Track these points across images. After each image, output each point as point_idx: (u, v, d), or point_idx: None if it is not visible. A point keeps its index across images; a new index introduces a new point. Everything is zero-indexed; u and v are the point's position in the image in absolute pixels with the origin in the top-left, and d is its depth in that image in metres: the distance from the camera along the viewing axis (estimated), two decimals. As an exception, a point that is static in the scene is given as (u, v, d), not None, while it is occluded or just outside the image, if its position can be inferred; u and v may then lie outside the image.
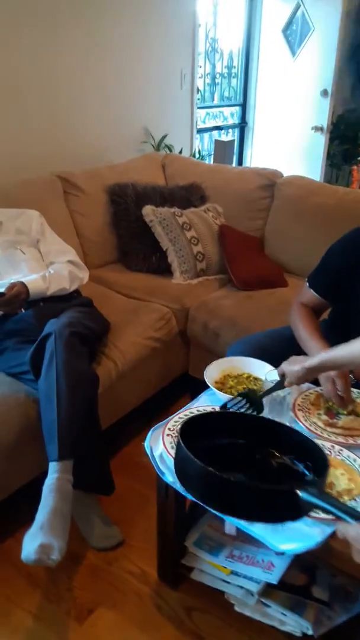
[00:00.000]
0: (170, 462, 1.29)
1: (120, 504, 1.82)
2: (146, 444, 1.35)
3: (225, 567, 1.45)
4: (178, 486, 1.29)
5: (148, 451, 1.34)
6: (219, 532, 1.56)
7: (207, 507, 1.03)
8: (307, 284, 1.70)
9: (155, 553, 1.58)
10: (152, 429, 1.38)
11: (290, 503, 0.88)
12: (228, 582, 1.44)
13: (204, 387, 1.52)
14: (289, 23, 3.93)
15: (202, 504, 1.01)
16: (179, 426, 1.04)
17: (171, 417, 1.42)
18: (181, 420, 1.41)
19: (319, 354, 1.31)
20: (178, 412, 1.45)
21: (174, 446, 1.31)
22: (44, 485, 1.46)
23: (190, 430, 1.02)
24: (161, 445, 1.33)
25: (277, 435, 1.11)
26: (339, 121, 4.34)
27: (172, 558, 1.54)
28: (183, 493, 1.27)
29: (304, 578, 1.43)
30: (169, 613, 1.51)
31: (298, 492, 0.87)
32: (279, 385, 1.37)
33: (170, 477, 1.30)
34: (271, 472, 1.07)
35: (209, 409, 1.42)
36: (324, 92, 3.68)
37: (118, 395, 1.97)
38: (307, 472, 1.03)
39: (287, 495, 0.89)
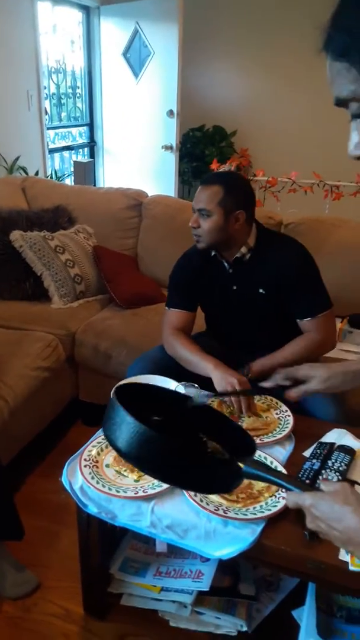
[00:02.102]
0: (92, 492, 1.27)
1: (28, 545, 1.71)
2: (64, 479, 1.31)
3: (155, 586, 1.46)
4: (103, 516, 1.28)
5: (67, 486, 1.30)
6: (141, 552, 1.56)
7: (144, 471, 0.98)
8: (167, 307, 1.80)
9: (75, 589, 1.53)
10: (67, 463, 1.34)
11: (229, 474, 0.86)
12: (160, 600, 1.45)
13: (97, 411, 1.50)
14: (129, 47, 4.06)
15: (139, 468, 0.99)
16: (114, 391, 0.92)
17: (84, 447, 1.40)
18: (96, 447, 1.39)
19: None
20: (90, 440, 1.42)
21: (94, 476, 1.29)
22: None
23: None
24: (80, 476, 1.30)
25: (190, 413, 1.06)
26: (185, 140, 4.57)
27: (99, 589, 1.51)
28: (108, 521, 1.27)
29: (229, 579, 1.50)
30: (102, 646, 1.47)
31: (240, 464, 0.85)
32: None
33: (94, 508, 1.27)
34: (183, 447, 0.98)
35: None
36: (170, 113, 3.85)
37: (11, 433, 1.86)
38: (224, 451, 0.99)
39: (230, 467, 0.86)
